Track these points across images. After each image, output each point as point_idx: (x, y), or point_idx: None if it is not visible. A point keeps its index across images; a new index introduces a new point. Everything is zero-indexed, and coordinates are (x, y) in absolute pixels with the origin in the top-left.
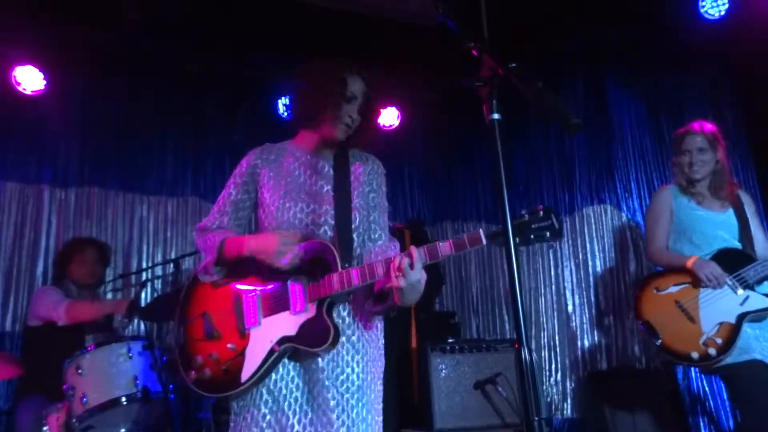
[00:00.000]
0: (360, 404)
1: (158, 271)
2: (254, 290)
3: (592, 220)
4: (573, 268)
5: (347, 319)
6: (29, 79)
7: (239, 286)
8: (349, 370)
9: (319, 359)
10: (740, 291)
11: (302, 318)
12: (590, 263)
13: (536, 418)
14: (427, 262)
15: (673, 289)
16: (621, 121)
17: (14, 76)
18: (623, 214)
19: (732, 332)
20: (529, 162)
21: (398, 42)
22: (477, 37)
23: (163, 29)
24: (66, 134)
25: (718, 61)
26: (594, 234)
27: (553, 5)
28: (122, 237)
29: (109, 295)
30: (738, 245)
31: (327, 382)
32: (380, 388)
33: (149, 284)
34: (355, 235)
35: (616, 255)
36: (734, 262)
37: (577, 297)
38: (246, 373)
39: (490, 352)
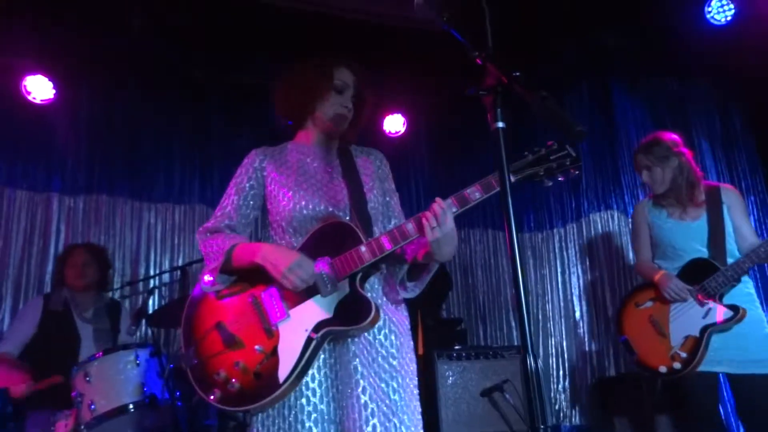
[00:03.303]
0: (393, 390)
1: (166, 278)
2: (271, 285)
3: (599, 226)
4: (580, 273)
5: (378, 301)
6: (39, 88)
7: (251, 287)
8: (383, 352)
9: (353, 347)
10: (705, 303)
11: (336, 298)
12: (597, 269)
13: (543, 426)
14: (458, 211)
15: (649, 304)
16: (626, 126)
17: (25, 86)
18: (630, 220)
19: (695, 345)
20: None
21: (402, 48)
22: (481, 46)
23: (168, 37)
24: (74, 143)
25: (725, 67)
26: (601, 240)
27: (557, 12)
28: (130, 244)
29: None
30: (706, 253)
31: (361, 368)
32: (414, 368)
33: (157, 291)
34: (372, 214)
35: (624, 261)
36: (700, 273)
37: (584, 303)
38: (283, 371)
39: (497, 359)
